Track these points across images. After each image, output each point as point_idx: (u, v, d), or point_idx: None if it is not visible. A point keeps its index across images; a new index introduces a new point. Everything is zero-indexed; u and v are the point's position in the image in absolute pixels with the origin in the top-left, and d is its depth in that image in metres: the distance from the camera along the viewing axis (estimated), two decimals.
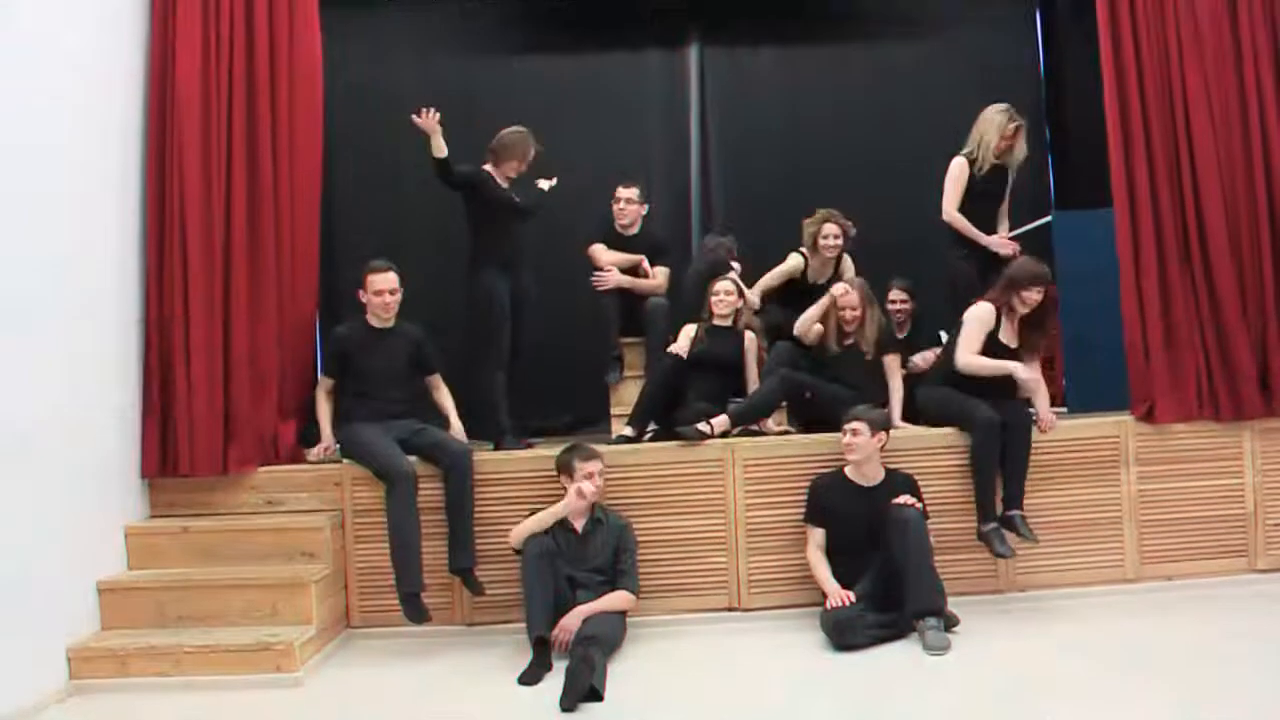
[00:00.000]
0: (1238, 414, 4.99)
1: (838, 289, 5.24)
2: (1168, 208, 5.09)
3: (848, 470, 4.62)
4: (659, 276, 5.94)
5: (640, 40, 7.32)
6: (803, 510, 4.72)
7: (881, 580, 4.38)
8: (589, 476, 4.49)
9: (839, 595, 4.37)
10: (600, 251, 5.94)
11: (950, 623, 4.35)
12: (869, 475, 4.58)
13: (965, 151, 5.49)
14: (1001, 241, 5.46)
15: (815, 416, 5.20)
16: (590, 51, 7.26)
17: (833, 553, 4.59)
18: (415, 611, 4.51)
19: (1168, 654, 3.98)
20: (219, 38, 4.93)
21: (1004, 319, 4.89)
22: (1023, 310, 4.86)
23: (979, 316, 4.89)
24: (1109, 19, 5.15)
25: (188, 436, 4.74)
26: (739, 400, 5.23)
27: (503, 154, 5.48)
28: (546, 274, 6.32)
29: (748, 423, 5.10)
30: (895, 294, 6.03)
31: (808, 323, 5.34)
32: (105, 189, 4.64)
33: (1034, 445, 4.81)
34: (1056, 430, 4.94)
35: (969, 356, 4.84)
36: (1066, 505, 4.91)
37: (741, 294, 5.53)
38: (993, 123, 5.41)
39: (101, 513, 4.49)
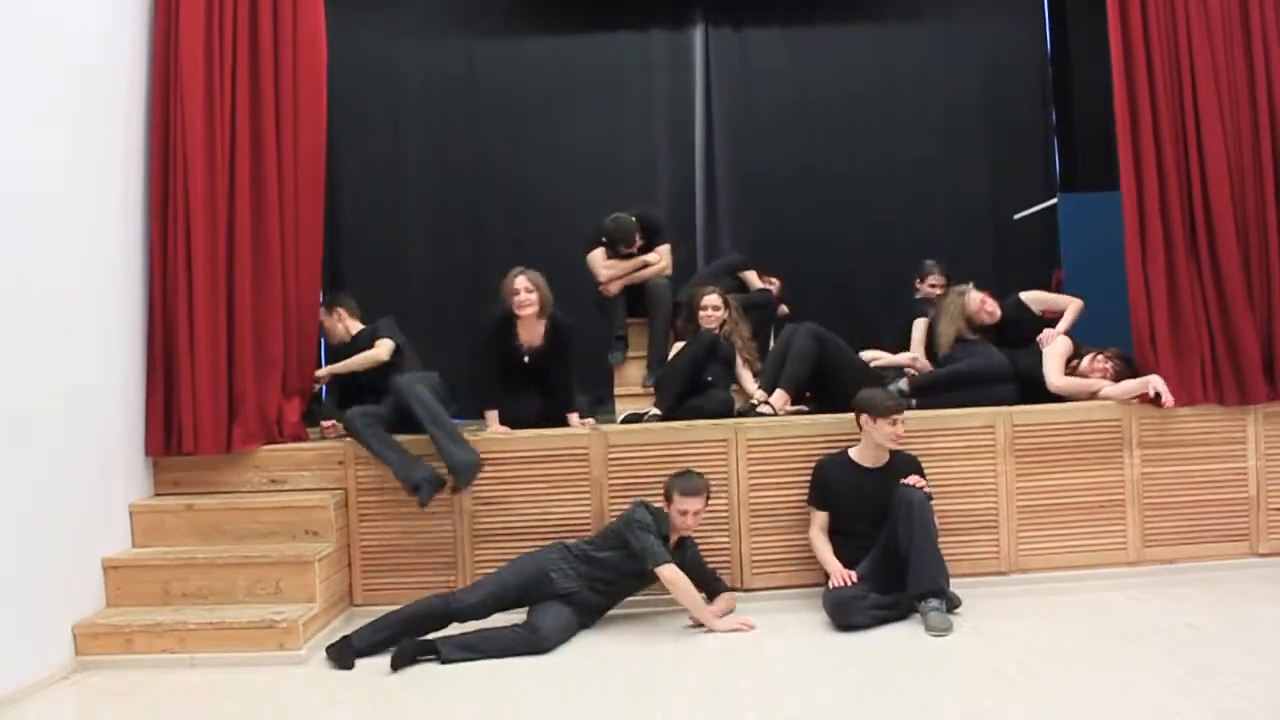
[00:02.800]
0: (1242, 399, 4.98)
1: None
2: (1175, 193, 5.06)
3: (853, 452, 4.63)
4: (661, 257, 5.94)
5: (646, 21, 7.30)
6: (805, 491, 4.73)
7: (884, 561, 4.39)
8: (683, 514, 4.39)
9: (841, 575, 4.38)
10: (599, 265, 5.92)
11: (952, 604, 4.37)
12: (876, 457, 4.58)
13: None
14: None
15: (828, 388, 5.25)
16: (596, 32, 7.24)
17: (836, 534, 4.61)
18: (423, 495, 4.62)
19: (1166, 637, 3.99)
20: (222, 17, 4.91)
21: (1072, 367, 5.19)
22: (1089, 373, 5.13)
23: (1062, 351, 5.20)
24: (1118, 1, 5.12)
25: (192, 415, 4.74)
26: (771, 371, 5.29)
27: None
28: (552, 253, 6.34)
29: (799, 385, 5.16)
30: (936, 278, 6.17)
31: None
32: (109, 168, 4.62)
33: (1039, 427, 4.89)
34: (1059, 414, 4.95)
35: (1060, 379, 5.10)
36: (1069, 488, 4.91)
37: (728, 306, 5.59)
38: (956, 305, 5.55)
39: (106, 491, 4.50)
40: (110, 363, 4.55)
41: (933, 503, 4.45)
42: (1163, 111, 5.08)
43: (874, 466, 4.57)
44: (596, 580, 4.38)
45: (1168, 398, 4.85)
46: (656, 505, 4.47)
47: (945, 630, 4.12)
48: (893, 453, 4.60)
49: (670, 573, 4.29)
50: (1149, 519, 4.94)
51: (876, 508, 4.45)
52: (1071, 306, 5.41)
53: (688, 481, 4.44)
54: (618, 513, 4.75)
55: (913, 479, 4.44)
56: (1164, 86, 5.08)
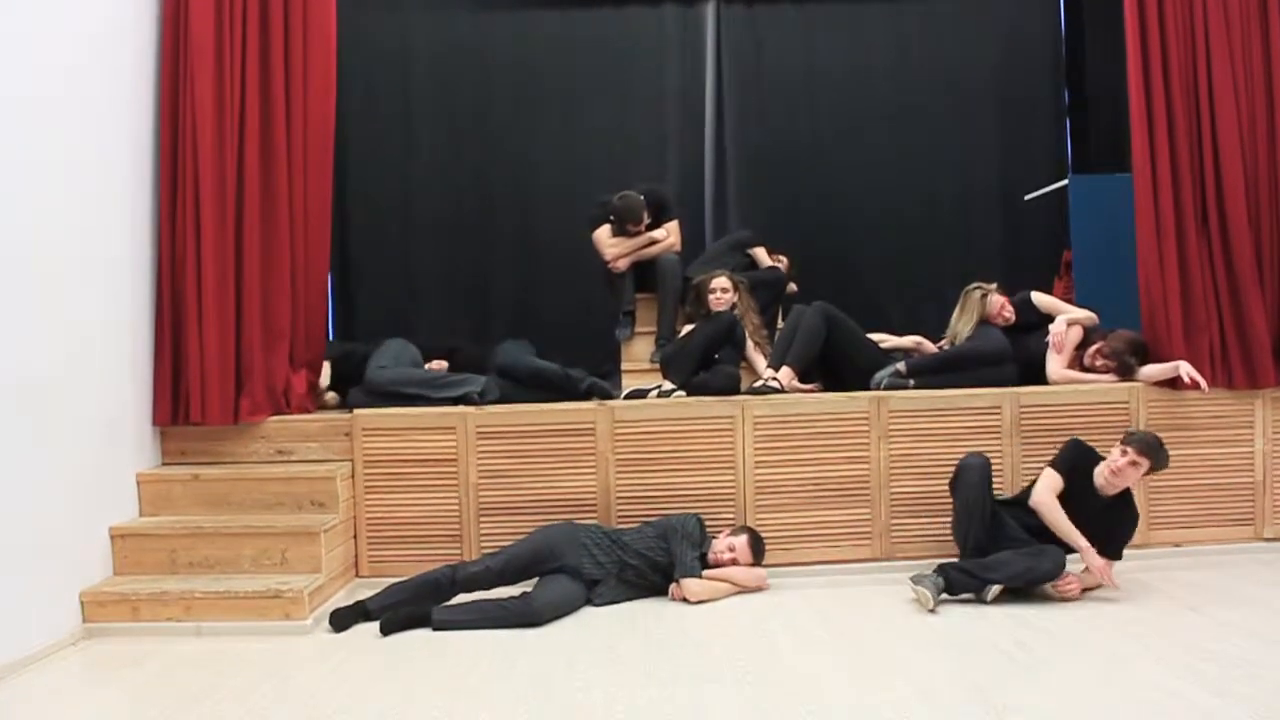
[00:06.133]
0: (1251, 383, 4.98)
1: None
2: (1187, 174, 5.05)
3: (1100, 471, 4.36)
4: (670, 234, 5.91)
5: None
6: (810, 469, 4.79)
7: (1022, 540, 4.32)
8: (730, 550, 4.55)
9: (1086, 550, 4.27)
10: (605, 244, 5.89)
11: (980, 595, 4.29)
12: (1105, 484, 4.34)
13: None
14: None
15: (837, 367, 5.26)
16: (606, 6, 7.18)
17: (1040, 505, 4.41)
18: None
19: (1169, 619, 4.00)
20: None
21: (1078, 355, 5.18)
22: (1092, 363, 5.13)
23: (1073, 339, 5.18)
24: None
25: (199, 386, 4.75)
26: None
27: None
28: (561, 227, 6.32)
29: (806, 363, 5.16)
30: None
31: None
32: (118, 141, 4.60)
33: (1045, 409, 4.88)
34: (1066, 395, 4.94)
35: (1059, 372, 5.11)
36: None
37: (736, 288, 5.58)
38: (978, 306, 5.41)
39: (114, 460, 4.51)
40: (118, 333, 4.56)
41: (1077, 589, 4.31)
42: (1176, 92, 5.05)
43: (1098, 487, 4.34)
44: (627, 568, 4.44)
45: (1204, 383, 4.86)
46: (712, 533, 4.66)
47: (922, 598, 4.17)
48: (1119, 497, 4.37)
49: (696, 585, 4.40)
50: (1154, 502, 4.94)
51: (1083, 518, 4.29)
52: (1079, 314, 5.28)
53: (756, 535, 4.63)
54: (623, 488, 4.79)
55: (1073, 584, 4.28)
56: (1178, 66, 5.05)
